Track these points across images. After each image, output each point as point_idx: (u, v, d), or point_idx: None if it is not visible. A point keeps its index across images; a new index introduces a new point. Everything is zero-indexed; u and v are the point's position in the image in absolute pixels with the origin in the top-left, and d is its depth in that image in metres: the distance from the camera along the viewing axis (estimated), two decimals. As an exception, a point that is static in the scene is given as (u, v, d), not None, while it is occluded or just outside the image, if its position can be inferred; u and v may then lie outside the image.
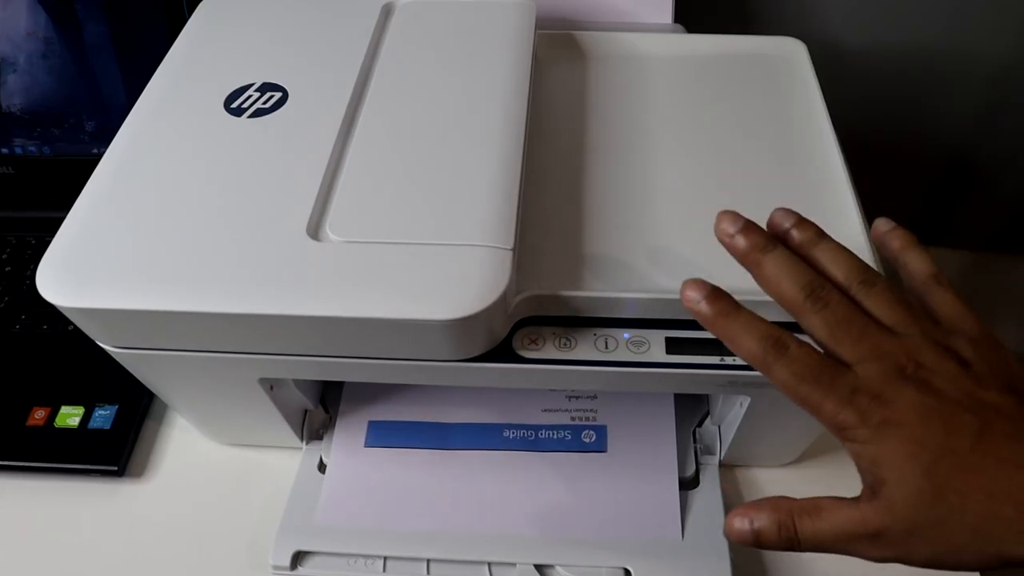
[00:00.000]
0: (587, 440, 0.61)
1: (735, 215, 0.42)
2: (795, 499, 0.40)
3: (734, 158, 0.57)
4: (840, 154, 0.56)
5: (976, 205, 1.20)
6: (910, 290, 0.43)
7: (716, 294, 0.41)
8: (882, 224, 0.46)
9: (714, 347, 0.48)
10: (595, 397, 0.63)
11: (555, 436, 0.62)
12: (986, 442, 0.36)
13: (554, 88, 0.63)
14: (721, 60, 0.65)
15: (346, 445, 0.62)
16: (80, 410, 0.65)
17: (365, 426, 0.63)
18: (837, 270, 0.41)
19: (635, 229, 0.52)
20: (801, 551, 0.39)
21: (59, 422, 0.65)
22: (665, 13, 0.77)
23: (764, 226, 0.43)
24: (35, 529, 0.62)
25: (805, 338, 0.40)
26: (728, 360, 0.48)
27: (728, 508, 0.59)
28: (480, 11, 0.62)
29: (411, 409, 0.64)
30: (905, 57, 1.01)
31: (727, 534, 0.41)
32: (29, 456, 0.63)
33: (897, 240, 0.45)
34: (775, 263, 0.41)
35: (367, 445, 0.62)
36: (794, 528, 0.39)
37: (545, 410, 0.63)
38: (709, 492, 0.60)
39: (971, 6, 0.95)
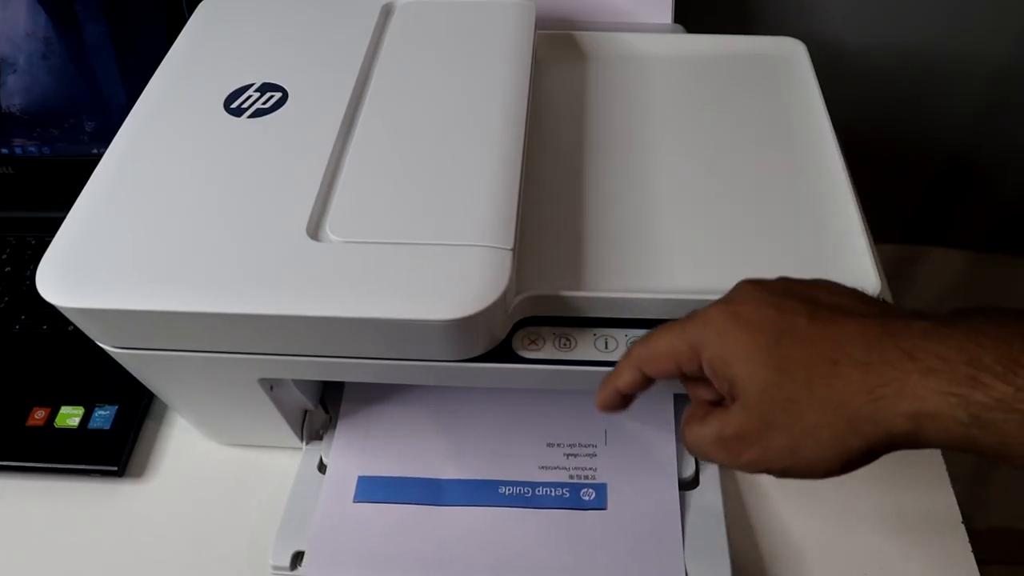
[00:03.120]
0: (586, 498, 0.59)
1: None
2: (700, 405, 0.42)
3: (734, 158, 0.57)
4: (840, 154, 0.56)
5: (976, 205, 1.20)
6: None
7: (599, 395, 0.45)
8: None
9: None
10: (595, 455, 0.61)
11: (553, 493, 0.59)
12: (821, 319, 0.37)
13: (554, 88, 0.63)
14: (721, 60, 0.65)
15: (334, 499, 0.59)
16: (80, 410, 0.65)
17: (355, 481, 0.60)
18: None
19: (635, 229, 0.52)
20: (694, 454, 0.42)
21: (59, 422, 0.65)
22: (665, 13, 0.77)
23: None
24: (35, 529, 0.62)
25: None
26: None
27: (728, 508, 0.59)
28: (480, 11, 0.62)
29: (403, 463, 0.61)
30: (905, 57, 1.01)
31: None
32: (29, 456, 0.63)
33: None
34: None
35: (356, 500, 0.59)
36: (685, 433, 0.42)
37: (543, 467, 0.60)
38: (709, 492, 0.59)
39: (971, 6, 0.95)
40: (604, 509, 0.58)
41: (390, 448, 0.62)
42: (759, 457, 0.38)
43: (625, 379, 0.43)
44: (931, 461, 0.63)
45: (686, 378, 0.42)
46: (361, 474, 0.60)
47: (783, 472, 0.38)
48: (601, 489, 0.59)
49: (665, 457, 0.61)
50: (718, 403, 0.41)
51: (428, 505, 0.59)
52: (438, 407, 0.64)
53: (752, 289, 0.40)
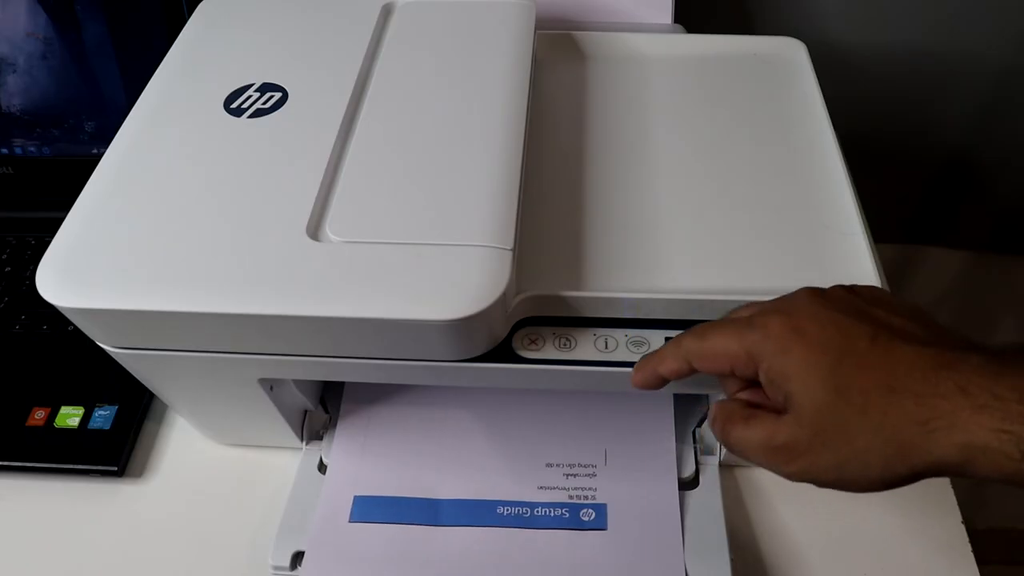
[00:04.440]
0: (586, 518, 0.58)
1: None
2: (740, 405, 0.42)
3: (734, 158, 0.57)
4: (840, 154, 0.56)
5: (976, 205, 1.20)
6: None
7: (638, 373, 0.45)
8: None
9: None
10: (594, 475, 0.60)
11: (552, 514, 0.58)
12: (881, 344, 0.37)
13: (554, 88, 0.63)
14: (721, 60, 0.65)
15: (329, 520, 0.58)
16: (80, 410, 0.65)
17: (350, 500, 0.59)
18: None
19: (635, 229, 0.52)
20: (733, 452, 0.42)
21: (59, 422, 0.65)
22: (665, 13, 0.77)
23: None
24: (35, 529, 0.62)
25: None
26: (728, 360, 0.48)
27: (727, 508, 0.59)
28: (480, 11, 0.62)
29: (399, 482, 0.60)
30: (905, 57, 1.01)
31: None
32: (29, 456, 0.63)
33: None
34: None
35: (352, 520, 0.58)
36: (726, 432, 0.42)
37: (541, 487, 0.59)
38: (708, 492, 0.59)
39: (971, 6, 0.95)
40: (604, 529, 0.57)
41: (387, 464, 0.61)
42: (804, 469, 0.39)
43: (670, 366, 0.43)
44: (931, 461, 0.63)
45: (732, 377, 0.42)
46: (357, 493, 0.59)
47: (825, 485, 0.39)
48: (601, 509, 0.58)
49: (665, 461, 0.60)
50: (757, 405, 0.42)
51: (425, 525, 0.58)
52: (437, 417, 0.64)
53: (813, 301, 0.40)
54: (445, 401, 0.64)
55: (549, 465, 0.61)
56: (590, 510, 0.58)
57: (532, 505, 0.59)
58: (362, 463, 0.61)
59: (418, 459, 0.61)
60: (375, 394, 0.65)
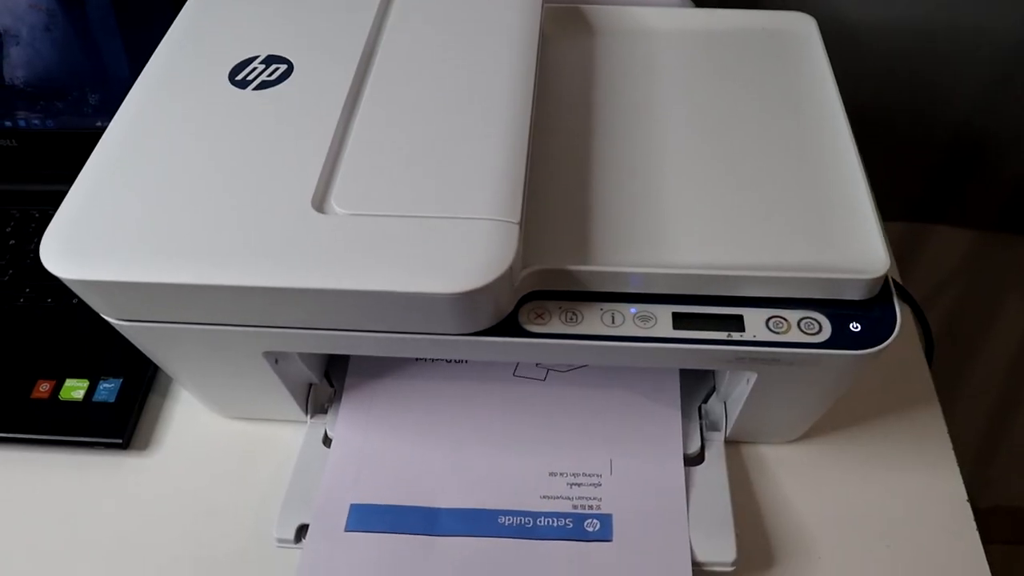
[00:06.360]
0: (590, 529, 0.56)
1: None
2: None
3: (743, 134, 0.56)
4: (849, 131, 0.56)
5: (983, 183, 1.19)
6: None
7: None
8: None
9: (721, 322, 0.48)
10: (599, 484, 0.58)
11: (555, 524, 0.57)
12: None
13: (561, 62, 0.63)
14: (730, 35, 0.64)
15: (325, 528, 0.57)
16: (85, 383, 0.65)
17: (346, 509, 0.58)
18: None
19: (642, 204, 0.52)
20: None
21: (64, 395, 0.65)
22: (674, -13, 0.76)
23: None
24: (39, 501, 0.62)
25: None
26: (735, 336, 0.48)
27: (733, 484, 0.59)
28: (487, -17, 0.61)
29: (397, 489, 0.59)
30: (914, 33, 1.00)
31: None
32: (34, 429, 0.63)
33: None
34: None
35: (348, 529, 0.56)
36: None
37: (544, 496, 0.58)
38: (714, 468, 0.59)
39: (982, -18, 0.94)
40: (609, 541, 0.56)
41: (388, 456, 0.60)
42: None
43: None
44: (937, 441, 0.63)
45: None
46: (353, 502, 0.58)
47: None
48: (606, 520, 0.57)
49: (672, 465, 0.59)
50: None
51: (423, 535, 0.56)
52: (441, 418, 0.63)
53: None
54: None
55: (553, 474, 0.59)
56: (595, 520, 0.57)
57: (535, 515, 0.57)
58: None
59: (419, 465, 0.60)
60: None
